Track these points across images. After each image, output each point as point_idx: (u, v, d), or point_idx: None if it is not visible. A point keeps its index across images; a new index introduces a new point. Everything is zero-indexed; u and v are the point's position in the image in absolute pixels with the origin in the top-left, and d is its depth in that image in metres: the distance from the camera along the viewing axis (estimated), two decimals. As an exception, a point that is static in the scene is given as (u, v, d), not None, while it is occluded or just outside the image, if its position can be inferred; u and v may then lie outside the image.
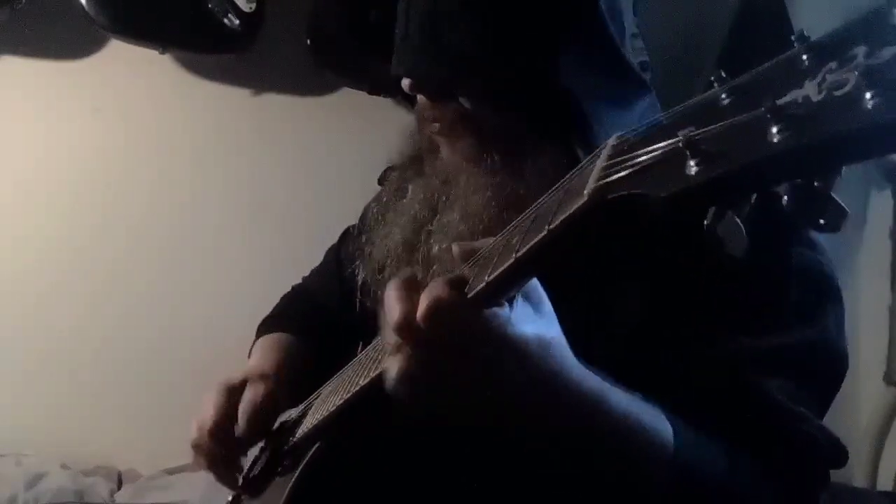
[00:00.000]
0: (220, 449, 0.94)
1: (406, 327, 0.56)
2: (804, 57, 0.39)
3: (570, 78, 0.81)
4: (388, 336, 0.59)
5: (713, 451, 0.68)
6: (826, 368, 0.78)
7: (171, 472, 2.07)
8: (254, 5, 2.02)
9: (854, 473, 2.17)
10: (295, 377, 1.04)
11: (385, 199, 0.99)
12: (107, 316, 2.16)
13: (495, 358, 0.57)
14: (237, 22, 1.99)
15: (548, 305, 0.61)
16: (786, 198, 0.40)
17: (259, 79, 2.20)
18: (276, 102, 2.23)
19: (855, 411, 2.25)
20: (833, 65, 0.37)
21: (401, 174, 0.97)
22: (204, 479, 1.96)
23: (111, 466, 2.09)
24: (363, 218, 1.16)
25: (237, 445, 0.95)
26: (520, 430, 0.63)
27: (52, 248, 2.14)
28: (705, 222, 0.43)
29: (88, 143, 2.15)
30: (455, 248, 0.63)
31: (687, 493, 0.65)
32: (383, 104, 2.20)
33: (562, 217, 0.50)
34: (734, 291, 0.74)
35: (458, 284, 0.57)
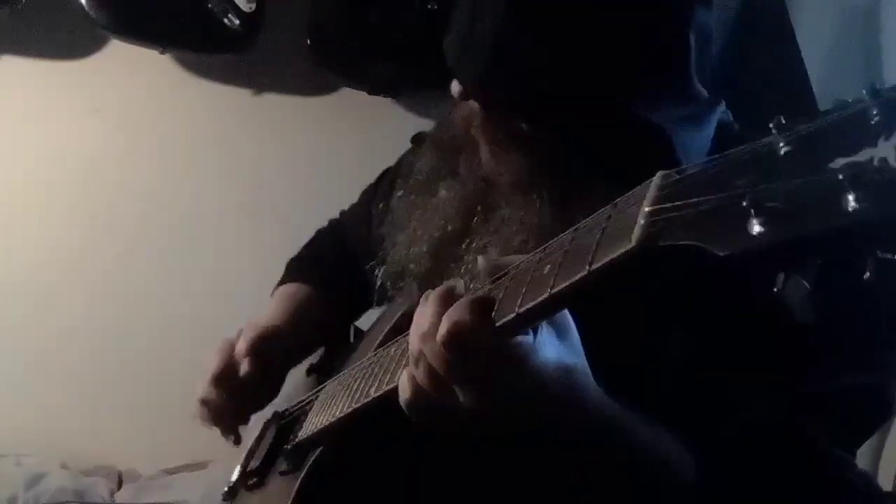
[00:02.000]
0: (226, 397, 0.97)
1: (428, 341, 0.57)
2: (874, 111, 0.37)
3: (651, 108, 0.75)
4: (413, 344, 0.59)
5: (738, 488, 0.67)
6: (873, 414, 0.77)
7: (171, 472, 2.07)
8: (254, 5, 2.02)
9: (854, 473, 2.17)
10: (300, 331, 1.07)
11: (413, 193, 0.93)
12: (107, 316, 2.16)
13: (514, 385, 0.57)
14: (237, 22, 1.99)
15: (574, 335, 0.60)
16: (868, 273, 0.38)
17: (259, 79, 2.20)
18: (276, 102, 2.23)
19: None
20: None
21: (433, 165, 0.91)
22: (204, 479, 1.97)
23: (111, 466, 2.09)
24: (384, 181, 1.17)
25: (243, 389, 0.98)
26: (534, 447, 0.63)
27: (52, 248, 2.14)
28: (774, 289, 0.41)
29: (88, 143, 2.15)
30: (482, 261, 0.62)
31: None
32: (383, 104, 2.20)
33: (606, 259, 0.49)
34: (788, 335, 0.70)
35: (485, 307, 0.57)
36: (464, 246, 0.84)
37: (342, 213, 1.30)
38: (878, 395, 0.75)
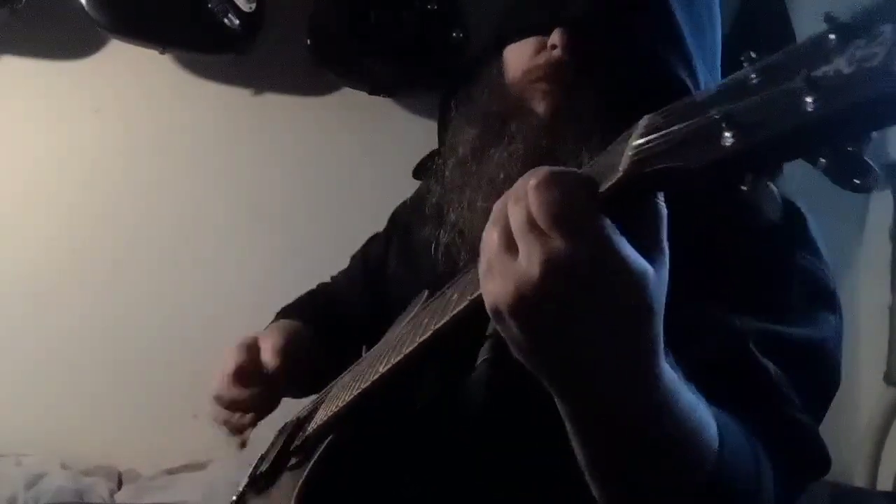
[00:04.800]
0: (243, 392, 0.96)
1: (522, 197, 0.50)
2: (832, 37, 0.41)
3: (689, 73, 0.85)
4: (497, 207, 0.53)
5: (745, 450, 0.65)
6: (818, 374, 0.77)
7: (171, 472, 2.07)
8: (254, 5, 2.02)
9: (854, 473, 2.18)
10: (300, 361, 1.05)
11: (465, 162, 0.92)
12: (106, 316, 2.16)
13: (596, 266, 0.48)
14: (237, 22, 1.99)
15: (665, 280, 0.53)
16: (823, 160, 0.42)
17: (259, 79, 2.20)
18: (276, 102, 2.23)
19: (855, 411, 2.26)
20: (861, 42, 0.39)
21: (480, 134, 0.93)
22: (204, 479, 1.97)
23: (111, 466, 2.09)
24: (395, 222, 1.18)
25: (266, 383, 0.97)
26: (590, 401, 0.54)
27: (53, 248, 2.14)
28: (742, 188, 0.44)
29: (88, 143, 2.15)
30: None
31: (720, 495, 0.61)
32: (383, 104, 2.20)
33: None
34: (740, 279, 0.75)
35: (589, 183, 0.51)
36: None
37: (332, 278, 1.30)
38: (825, 357, 0.77)
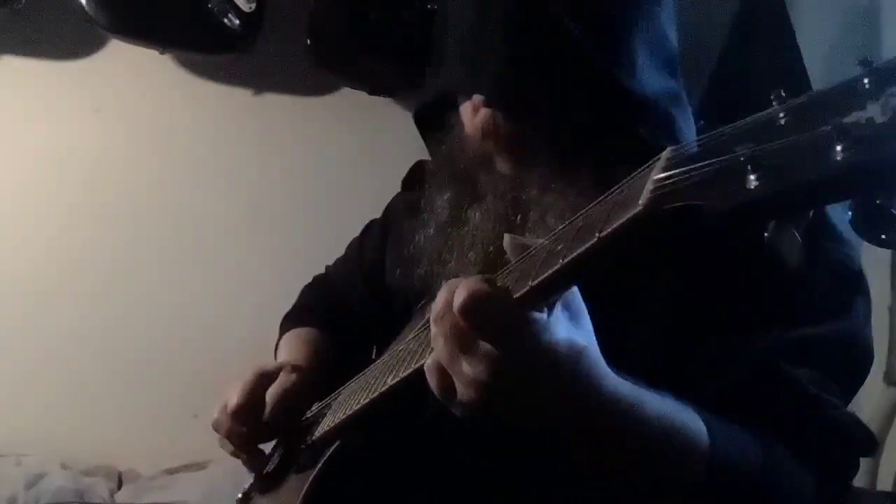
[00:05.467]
0: (240, 429, 0.95)
1: (446, 315, 0.58)
2: (865, 80, 0.40)
3: (648, 84, 0.83)
4: (432, 324, 0.61)
5: (747, 444, 0.69)
6: (854, 360, 0.81)
7: (171, 472, 2.07)
8: (254, 5, 2.02)
9: (854, 473, 2.17)
10: (321, 371, 1.05)
11: (446, 227, 0.95)
12: (107, 316, 2.16)
13: (527, 360, 0.57)
14: (237, 22, 1.99)
15: (586, 318, 0.62)
16: (850, 213, 0.42)
17: (259, 79, 2.20)
18: (276, 102, 2.23)
19: (855, 411, 2.24)
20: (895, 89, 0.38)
21: (454, 196, 0.94)
22: (204, 479, 1.97)
23: (111, 466, 2.09)
24: (390, 217, 1.17)
25: (259, 429, 0.96)
26: (551, 433, 0.64)
27: (52, 248, 2.14)
28: (766, 234, 0.44)
29: (88, 143, 2.15)
30: (507, 238, 0.64)
31: (725, 488, 0.66)
32: (383, 104, 2.20)
33: (614, 225, 0.50)
34: (765, 284, 0.76)
35: (493, 282, 0.59)
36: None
37: (327, 268, 1.29)
38: (856, 344, 0.81)
